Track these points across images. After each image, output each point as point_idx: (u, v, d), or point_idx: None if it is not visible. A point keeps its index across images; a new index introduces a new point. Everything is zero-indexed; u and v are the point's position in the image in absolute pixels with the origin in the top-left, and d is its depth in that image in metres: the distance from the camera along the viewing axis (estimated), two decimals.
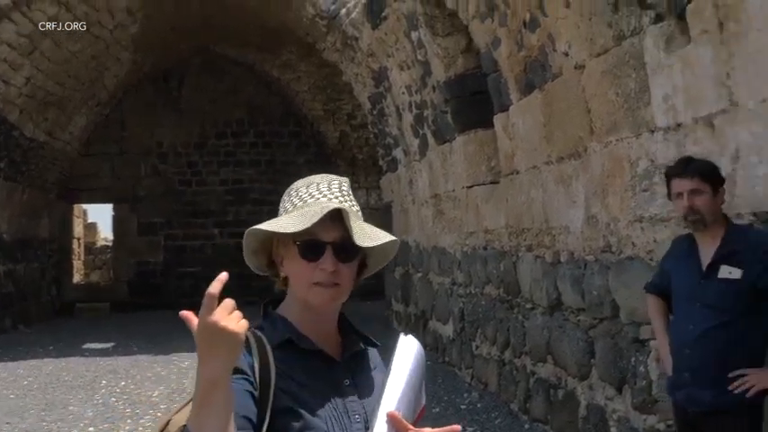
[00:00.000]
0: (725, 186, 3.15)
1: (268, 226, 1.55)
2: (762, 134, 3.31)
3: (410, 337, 1.63)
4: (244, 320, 1.34)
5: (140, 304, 16.57)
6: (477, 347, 7.74)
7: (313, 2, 11.65)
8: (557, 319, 5.68)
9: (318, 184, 1.62)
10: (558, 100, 5.35)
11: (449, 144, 8.43)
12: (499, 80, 6.51)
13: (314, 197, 1.59)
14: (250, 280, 17.39)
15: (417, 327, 10.49)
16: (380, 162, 12.97)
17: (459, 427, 1.55)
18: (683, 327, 3.14)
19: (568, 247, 5.46)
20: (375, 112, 11.92)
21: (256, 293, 16.91)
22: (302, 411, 1.49)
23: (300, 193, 1.61)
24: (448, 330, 8.86)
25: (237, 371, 1.45)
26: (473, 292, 7.90)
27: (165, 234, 17.45)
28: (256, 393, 1.47)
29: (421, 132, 9.60)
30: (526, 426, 6.09)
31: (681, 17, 3.87)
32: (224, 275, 1.36)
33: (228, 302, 1.33)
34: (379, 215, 16.82)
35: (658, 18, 4.03)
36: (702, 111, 3.72)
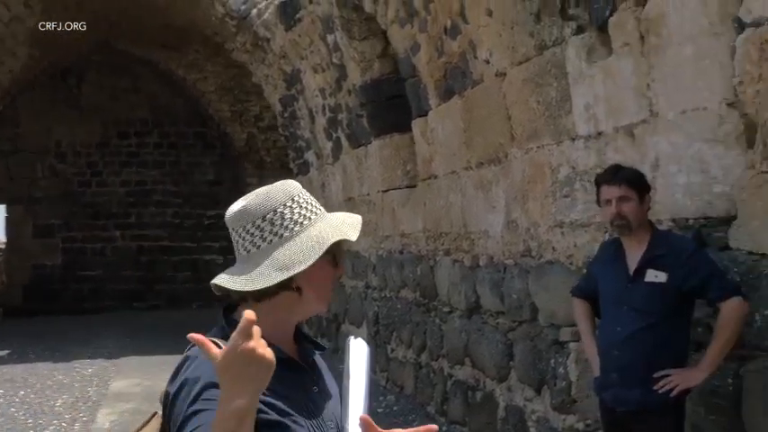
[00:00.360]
0: (649, 194, 3.27)
1: (344, 235, 1.57)
2: (681, 144, 3.46)
3: (360, 339, 1.67)
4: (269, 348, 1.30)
5: (36, 309, 15.82)
6: (392, 351, 7.77)
7: (223, 1, 11.43)
8: (475, 322, 5.77)
9: (301, 192, 1.63)
10: (479, 106, 5.44)
11: (364, 148, 8.44)
12: (418, 85, 6.56)
13: (317, 209, 1.62)
14: (154, 284, 16.83)
15: (330, 330, 10.45)
16: (291, 165, 12.86)
17: (435, 427, 1.56)
18: (610, 329, 3.23)
19: (488, 251, 5.55)
20: (286, 115, 11.81)
21: (162, 298, 16.36)
22: (288, 423, 1.48)
23: (308, 206, 1.60)
24: (362, 334, 8.85)
25: (218, 386, 1.40)
26: (388, 295, 7.93)
27: (62, 236, 16.74)
28: None
29: (335, 136, 9.57)
30: (444, 428, 6.15)
31: (602, 29, 4.00)
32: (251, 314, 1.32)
33: (258, 328, 1.28)
34: None
35: (580, 29, 4.15)
36: (623, 120, 3.86)
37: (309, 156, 11.20)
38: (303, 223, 1.57)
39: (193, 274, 17.31)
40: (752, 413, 3.07)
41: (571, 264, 4.42)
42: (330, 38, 8.30)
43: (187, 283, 17.25)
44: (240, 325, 1.27)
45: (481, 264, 5.67)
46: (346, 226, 1.61)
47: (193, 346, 1.48)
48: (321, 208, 1.64)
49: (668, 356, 3.09)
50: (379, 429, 1.52)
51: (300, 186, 1.65)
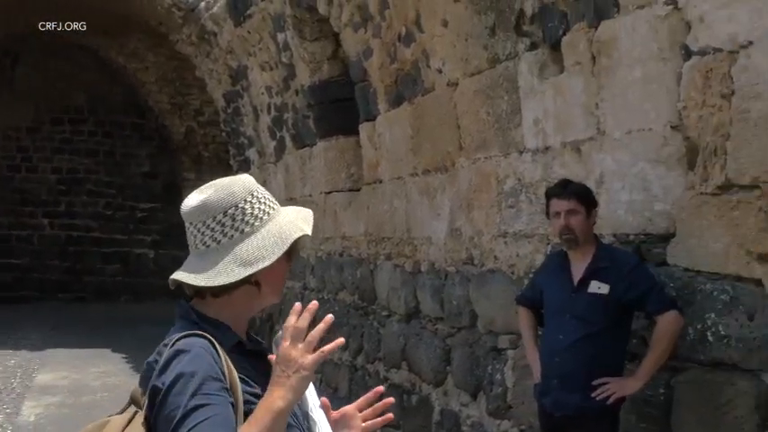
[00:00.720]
0: (596, 209, 3.40)
1: (301, 231, 1.60)
2: (626, 162, 3.60)
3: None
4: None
5: None
6: None
7: None
8: (414, 326, 5.84)
9: (258, 188, 1.64)
10: (429, 114, 5.52)
11: (308, 149, 8.44)
12: (367, 90, 6.61)
13: (274, 204, 1.64)
14: (82, 275, 16.38)
15: (263, 330, 10.39)
16: (231, 162, 12.74)
17: (381, 388, 1.72)
18: (553, 337, 3.35)
19: (430, 257, 5.64)
20: (229, 111, 11.71)
21: (89, 290, 15.91)
22: None
23: (266, 201, 1.63)
24: None
25: (216, 380, 1.43)
26: (326, 297, 7.94)
27: None
28: (231, 401, 1.45)
29: (279, 135, 9.54)
30: (378, 430, 6.20)
31: (554, 47, 4.13)
32: (314, 305, 1.46)
33: (311, 336, 1.44)
34: None
35: (533, 46, 4.28)
36: (570, 136, 3.99)
37: (251, 153, 11.12)
38: (263, 218, 1.59)
39: (123, 267, 16.98)
40: (681, 423, 3.21)
41: (513, 273, 4.54)
42: (280, 36, 8.28)
43: (116, 276, 16.91)
44: (290, 331, 1.44)
45: (423, 269, 5.75)
46: (300, 220, 1.64)
47: (180, 339, 1.48)
48: (276, 202, 1.66)
49: (607, 365, 3.21)
50: (333, 412, 1.65)
51: (255, 181, 1.66)
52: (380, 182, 6.54)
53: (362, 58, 6.50)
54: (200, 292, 1.60)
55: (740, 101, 2.95)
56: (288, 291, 9.37)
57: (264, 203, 1.61)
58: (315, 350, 1.47)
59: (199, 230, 1.59)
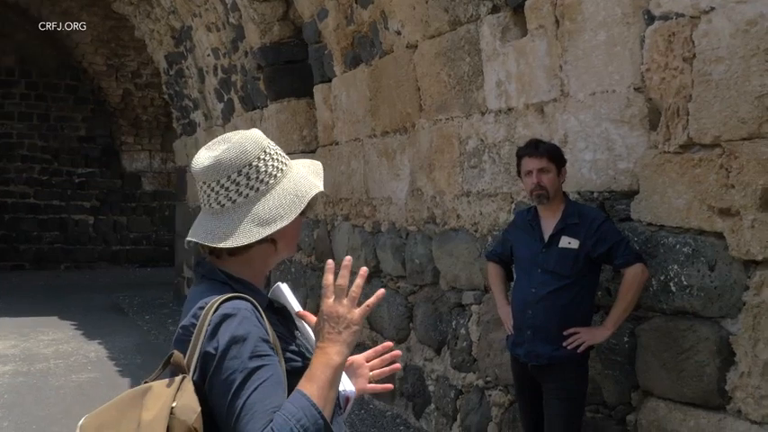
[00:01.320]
0: (565, 167, 3.54)
1: (316, 188, 1.62)
2: (589, 123, 3.74)
3: (285, 283, 1.76)
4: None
5: None
6: None
7: None
8: (374, 285, 5.95)
9: (270, 143, 1.64)
10: (387, 76, 5.58)
11: (259, 111, 8.39)
12: (322, 51, 6.61)
13: (285, 159, 1.64)
14: (18, 243, 15.98)
15: None
16: (174, 125, 12.53)
17: (390, 343, 1.80)
18: (526, 290, 3.49)
19: (390, 217, 5.74)
20: (172, 73, 11.49)
21: (26, 258, 15.55)
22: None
23: (278, 157, 1.62)
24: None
25: (265, 341, 1.47)
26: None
27: None
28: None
29: (227, 97, 9.44)
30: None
31: (516, 10, 4.23)
32: (349, 260, 1.53)
33: (353, 291, 1.50)
34: (172, 179, 16.29)
35: (495, 9, 4.36)
36: (534, 98, 4.11)
37: (197, 116, 10.97)
38: (276, 176, 1.59)
39: (62, 234, 16.63)
40: (646, 369, 3.42)
41: (476, 231, 4.68)
42: None
43: (55, 243, 16.56)
44: (352, 293, 1.50)
45: (383, 229, 5.85)
46: (313, 175, 1.65)
47: (223, 302, 1.49)
48: (287, 157, 1.66)
49: (577, 316, 3.38)
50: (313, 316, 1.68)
51: (264, 136, 1.65)
52: (337, 144, 6.58)
53: (317, 20, 6.48)
54: (216, 251, 1.59)
55: (702, 64, 3.10)
56: None
57: (277, 159, 1.61)
58: (359, 304, 1.53)
59: (213, 189, 1.58)
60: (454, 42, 4.72)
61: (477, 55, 4.54)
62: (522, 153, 3.55)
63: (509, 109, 4.33)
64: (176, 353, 1.50)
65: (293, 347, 1.58)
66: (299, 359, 1.56)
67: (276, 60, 7.81)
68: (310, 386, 1.45)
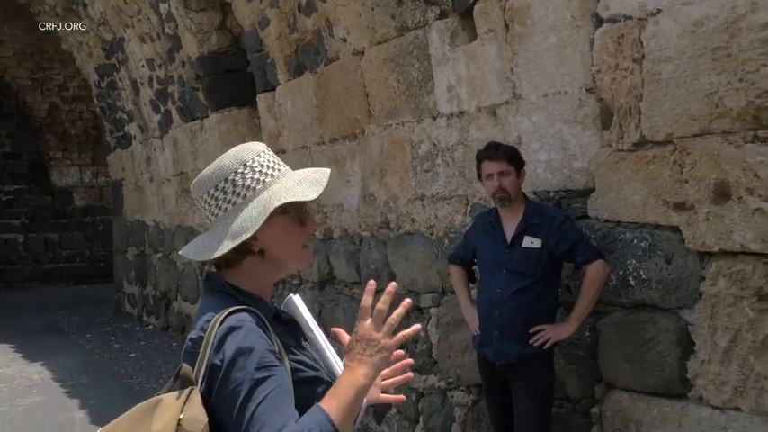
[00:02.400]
0: (524, 168, 3.61)
1: (289, 196, 1.57)
2: (542, 124, 3.83)
3: (298, 295, 1.78)
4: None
5: None
6: None
7: None
8: (329, 292, 5.95)
9: (263, 152, 1.65)
10: (334, 83, 5.58)
11: (199, 121, 8.29)
12: (265, 60, 6.58)
13: (274, 170, 1.63)
14: None
15: (158, 308, 10.19)
16: (108, 138, 12.25)
17: (402, 352, 1.69)
18: (491, 290, 3.54)
19: (342, 224, 5.74)
20: (103, 85, 11.24)
21: None
22: (321, 376, 1.59)
23: (262, 169, 1.62)
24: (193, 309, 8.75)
25: (271, 351, 1.48)
26: None
27: None
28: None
29: (163, 108, 9.29)
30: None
31: (464, 15, 4.30)
32: (393, 286, 1.49)
33: (392, 320, 1.50)
34: (104, 194, 15.90)
35: (443, 14, 4.42)
36: (486, 101, 4.18)
37: (132, 128, 10.75)
38: (255, 188, 1.60)
39: None
40: (608, 361, 3.52)
41: (432, 234, 4.72)
42: (163, 7, 8.04)
43: None
44: (390, 321, 1.51)
45: (335, 236, 5.85)
46: (306, 183, 1.63)
47: (229, 315, 1.51)
48: (282, 167, 1.65)
49: (542, 313, 3.46)
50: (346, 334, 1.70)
51: (259, 148, 1.65)
52: (284, 152, 6.55)
53: (258, 29, 6.44)
54: (217, 264, 1.64)
55: (651, 64, 3.21)
56: (185, 266, 9.24)
57: (260, 172, 1.61)
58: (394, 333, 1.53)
59: (203, 204, 1.64)
60: (402, 48, 4.76)
61: (426, 60, 4.59)
62: (481, 156, 3.61)
63: (461, 112, 4.39)
64: (185, 366, 1.52)
65: (300, 357, 1.58)
66: (307, 369, 1.57)
67: (215, 70, 7.75)
68: (331, 403, 1.45)
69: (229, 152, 1.65)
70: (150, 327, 10.35)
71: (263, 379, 1.44)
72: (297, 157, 6.33)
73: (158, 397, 1.50)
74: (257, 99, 6.93)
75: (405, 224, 4.99)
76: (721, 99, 2.93)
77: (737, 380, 2.99)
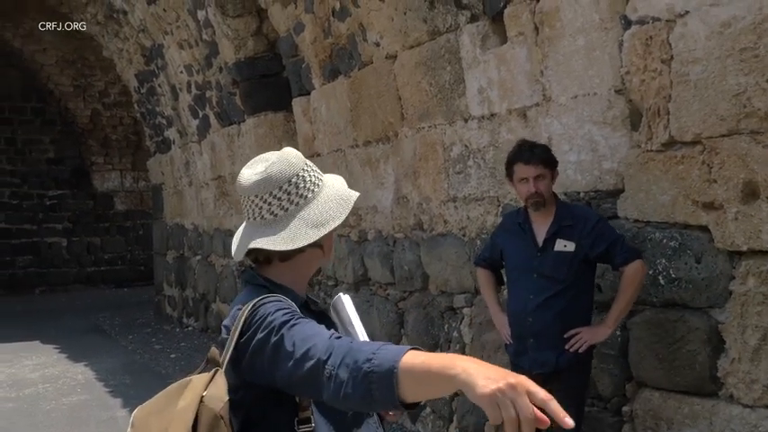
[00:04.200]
0: (557, 169, 3.54)
1: (354, 193, 1.78)
2: (572, 125, 3.87)
3: (347, 295, 1.91)
4: None
5: None
6: None
7: None
8: (363, 293, 6.04)
9: (306, 159, 1.79)
10: (367, 87, 5.67)
11: (236, 126, 8.45)
12: (300, 65, 6.69)
13: (320, 172, 1.79)
14: None
15: (197, 310, 10.38)
16: (148, 143, 12.50)
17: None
18: (522, 297, 3.43)
19: (376, 225, 5.83)
20: (143, 91, 11.49)
21: (0, 284, 15.23)
22: None
23: (316, 170, 1.79)
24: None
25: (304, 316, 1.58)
26: None
27: None
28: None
29: (201, 113, 9.47)
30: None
31: (494, 19, 4.36)
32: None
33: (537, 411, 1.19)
34: (144, 198, 16.21)
35: (474, 18, 4.48)
36: (516, 103, 4.23)
37: (171, 133, 10.98)
38: (319, 185, 1.74)
39: (35, 257, 16.48)
40: (639, 360, 3.54)
41: (464, 235, 4.78)
42: (200, 14, 8.21)
43: (29, 267, 16.41)
44: (540, 398, 1.19)
45: (369, 238, 5.93)
46: (345, 185, 1.81)
47: (259, 302, 1.61)
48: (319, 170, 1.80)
49: (577, 318, 3.37)
50: None
51: (300, 154, 1.79)
52: (319, 155, 6.66)
53: (293, 34, 6.56)
54: (268, 258, 1.72)
55: (679, 65, 3.24)
56: (222, 268, 9.40)
57: (316, 171, 1.77)
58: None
59: (265, 201, 1.70)
60: (434, 52, 4.83)
61: (457, 63, 4.65)
62: (514, 159, 3.46)
63: (492, 115, 4.44)
64: (213, 348, 1.64)
65: None
66: None
67: (252, 75, 7.89)
68: (417, 356, 1.32)
69: (283, 152, 1.74)
70: (190, 328, 10.55)
71: (294, 324, 1.53)
72: (332, 160, 6.43)
73: (189, 378, 1.62)
74: (293, 103, 7.05)
75: (438, 225, 5.05)
76: (749, 99, 2.95)
77: None
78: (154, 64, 10.49)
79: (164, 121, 11.12)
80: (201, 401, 1.54)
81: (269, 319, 1.55)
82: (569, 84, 3.86)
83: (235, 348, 1.58)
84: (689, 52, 3.19)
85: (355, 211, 6.08)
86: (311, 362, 1.44)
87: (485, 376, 1.22)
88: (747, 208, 3.01)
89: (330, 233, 1.73)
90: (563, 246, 3.36)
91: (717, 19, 3.05)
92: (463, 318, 4.84)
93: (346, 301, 1.90)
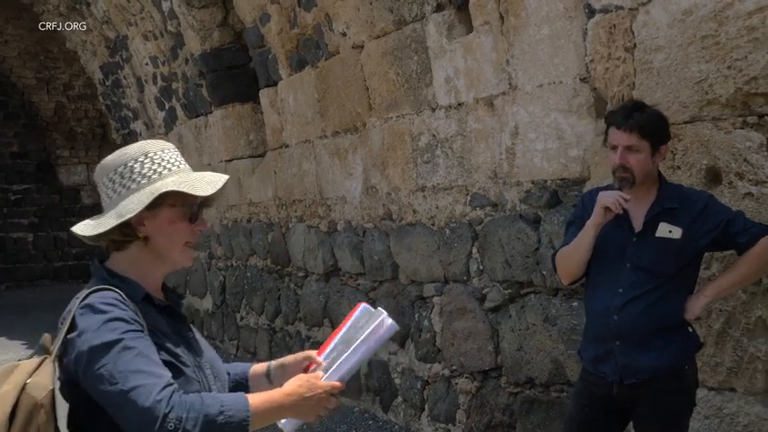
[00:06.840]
0: (667, 144, 2.82)
1: (179, 187, 1.66)
2: (538, 114, 3.89)
3: (391, 320, 1.88)
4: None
5: None
6: (242, 318, 7.87)
7: None
8: (334, 284, 6.04)
9: (169, 150, 1.75)
10: (335, 77, 5.65)
11: (203, 118, 8.37)
12: (266, 55, 6.65)
13: (174, 167, 1.73)
14: None
15: None
16: (114, 135, 12.34)
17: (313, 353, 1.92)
18: (610, 290, 2.76)
19: (345, 216, 5.82)
20: (108, 83, 11.33)
21: None
22: (178, 364, 1.64)
23: (163, 162, 1.71)
24: (206, 304, 8.87)
25: (135, 321, 1.57)
26: (235, 264, 8.00)
27: None
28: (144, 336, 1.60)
29: (168, 105, 9.37)
30: None
31: (460, 8, 4.36)
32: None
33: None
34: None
35: (439, 7, 4.48)
36: (483, 92, 4.25)
37: (137, 126, 10.85)
38: (152, 177, 1.69)
39: (0, 253, 16.19)
40: None
41: (433, 225, 4.79)
42: (165, 5, 8.10)
43: None
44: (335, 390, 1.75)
45: (339, 228, 5.92)
46: (202, 182, 1.71)
47: (89, 294, 1.62)
48: (183, 165, 1.75)
49: (676, 316, 2.74)
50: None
51: (166, 145, 1.76)
52: (287, 146, 6.63)
53: (259, 25, 6.51)
54: (107, 249, 1.74)
55: (642, 53, 3.27)
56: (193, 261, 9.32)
57: (159, 164, 1.70)
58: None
59: (102, 187, 1.73)
60: (401, 41, 4.83)
61: (424, 53, 4.65)
62: (610, 121, 2.79)
63: (459, 104, 4.45)
64: (46, 335, 1.64)
65: (169, 346, 1.64)
66: (171, 358, 1.62)
67: (218, 66, 7.81)
68: (257, 397, 1.64)
69: (136, 143, 1.75)
70: None
71: (118, 341, 1.53)
72: (300, 151, 6.41)
73: (16, 363, 1.60)
74: (260, 94, 7.00)
75: (407, 215, 5.06)
76: (711, 86, 2.99)
77: (732, 361, 3.06)
78: (118, 56, 10.34)
79: (130, 114, 10.99)
80: (24, 389, 1.52)
81: (90, 335, 1.54)
82: (535, 72, 3.88)
83: (62, 344, 1.58)
84: (651, 40, 3.22)
85: (324, 202, 6.08)
86: (137, 405, 1.47)
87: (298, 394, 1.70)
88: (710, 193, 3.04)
89: (158, 226, 1.68)
90: (667, 231, 2.69)
91: (678, 7, 3.09)
92: (433, 307, 4.85)
93: (370, 316, 1.90)
